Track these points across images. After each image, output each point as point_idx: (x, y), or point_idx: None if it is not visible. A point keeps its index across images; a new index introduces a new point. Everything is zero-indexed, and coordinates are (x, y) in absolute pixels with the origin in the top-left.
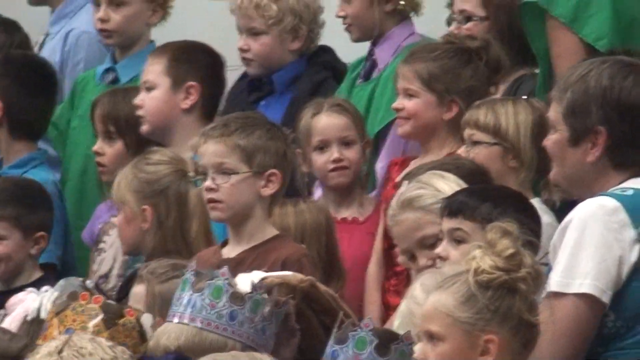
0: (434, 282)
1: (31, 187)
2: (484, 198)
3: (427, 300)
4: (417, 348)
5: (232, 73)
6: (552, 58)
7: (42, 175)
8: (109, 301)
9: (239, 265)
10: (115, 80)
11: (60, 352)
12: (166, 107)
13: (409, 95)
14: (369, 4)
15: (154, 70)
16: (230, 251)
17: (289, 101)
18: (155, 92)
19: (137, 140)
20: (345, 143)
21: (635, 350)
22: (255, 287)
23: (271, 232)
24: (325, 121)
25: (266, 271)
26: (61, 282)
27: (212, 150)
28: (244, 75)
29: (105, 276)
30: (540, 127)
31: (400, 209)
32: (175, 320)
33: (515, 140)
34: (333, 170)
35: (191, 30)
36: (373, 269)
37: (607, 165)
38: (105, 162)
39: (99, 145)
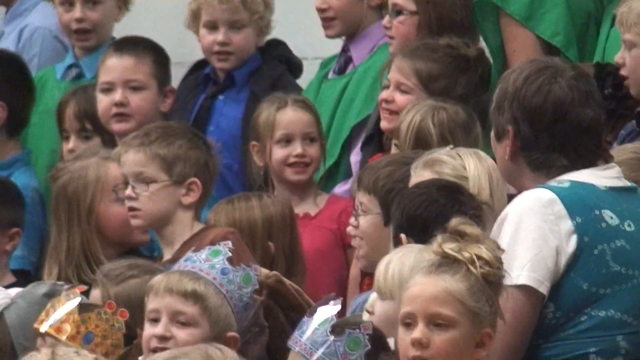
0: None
1: (4, 184)
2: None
3: (429, 283)
4: (418, 331)
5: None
6: (507, 54)
7: (23, 180)
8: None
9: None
10: (79, 76)
11: None
12: (153, 110)
13: (401, 90)
14: None
15: (144, 71)
16: (166, 255)
17: (248, 96)
18: (146, 94)
19: (113, 137)
20: (310, 139)
21: (576, 340)
22: None
23: (198, 226)
24: (291, 115)
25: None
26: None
27: (132, 160)
28: (193, 70)
29: None
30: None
31: (423, 165)
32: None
33: (402, 139)
34: (293, 165)
35: (143, 25)
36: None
37: (523, 165)
38: None
39: (73, 144)
